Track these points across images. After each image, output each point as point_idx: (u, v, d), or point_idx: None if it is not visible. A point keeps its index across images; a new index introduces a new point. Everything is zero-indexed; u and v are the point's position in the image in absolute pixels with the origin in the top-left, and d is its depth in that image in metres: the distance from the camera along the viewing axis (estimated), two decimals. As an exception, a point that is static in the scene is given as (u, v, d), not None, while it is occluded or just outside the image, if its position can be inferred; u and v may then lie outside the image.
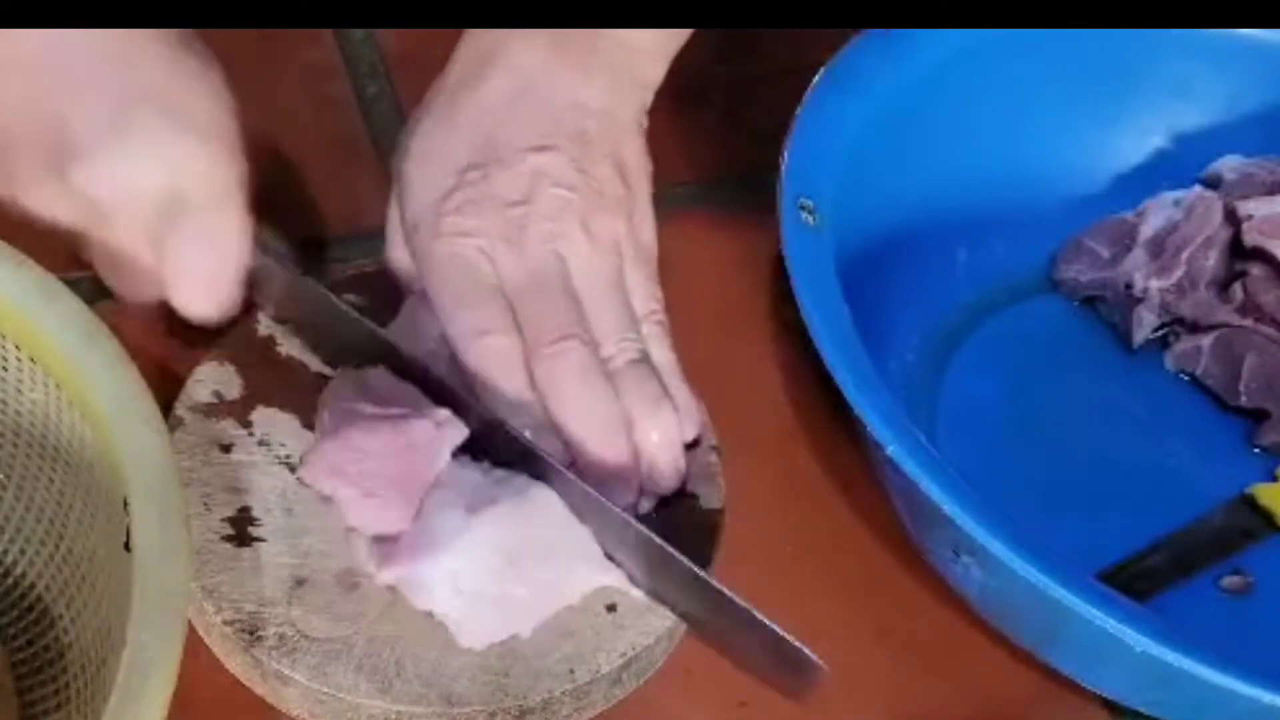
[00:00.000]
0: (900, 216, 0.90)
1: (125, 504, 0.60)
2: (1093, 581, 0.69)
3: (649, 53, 0.81)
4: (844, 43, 0.87)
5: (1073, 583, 0.67)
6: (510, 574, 0.71)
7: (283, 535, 0.73)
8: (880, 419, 0.71)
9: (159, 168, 0.71)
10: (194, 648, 0.71)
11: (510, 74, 0.79)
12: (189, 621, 0.70)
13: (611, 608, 0.73)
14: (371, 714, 0.69)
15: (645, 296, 0.78)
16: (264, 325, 0.81)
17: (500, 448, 0.74)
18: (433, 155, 0.78)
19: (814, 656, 0.69)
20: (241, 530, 0.73)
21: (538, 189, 0.77)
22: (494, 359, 0.75)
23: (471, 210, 0.76)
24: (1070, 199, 0.95)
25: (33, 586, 0.68)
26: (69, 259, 0.82)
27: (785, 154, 0.81)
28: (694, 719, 0.75)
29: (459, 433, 0.73)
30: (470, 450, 0.74)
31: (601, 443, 0.74)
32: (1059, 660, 0.75)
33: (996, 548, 0.68)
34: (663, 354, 0.78)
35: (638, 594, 0.73)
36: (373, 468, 0.72)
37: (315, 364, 0.80)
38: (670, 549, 0.71)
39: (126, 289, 0.76)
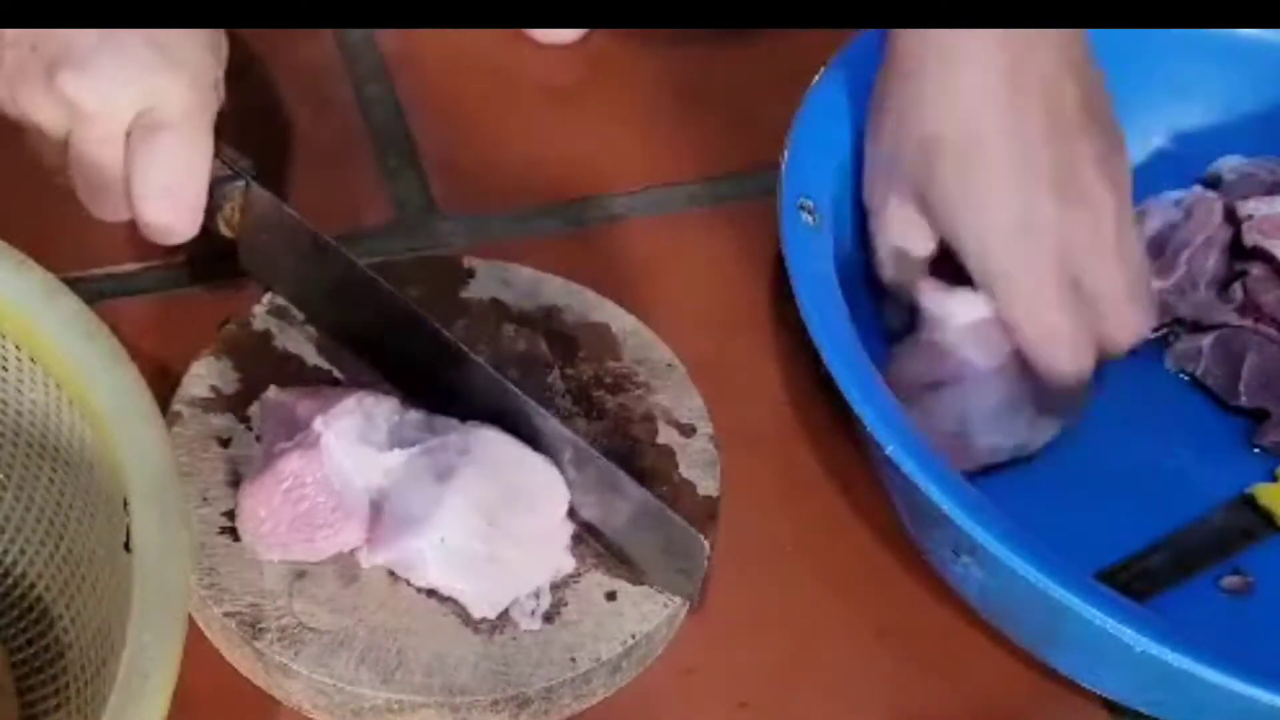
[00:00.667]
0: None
1: (125, 504, 0.60)
2: (1093, 581, 0.69)
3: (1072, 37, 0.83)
4: (844, 43, 0.87)
5: (1073, 583, 0.67)
6: (495, 532, 0.72)
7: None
8: (880, 419, 0.71)
9: (136, 86, 0.74)
10: (195, 642, 0.71)
11: (959, 68, 0.80)
12: (189, 616, 0.71)
13: (611, 596, 0.73)
14: (374, 704, 0.69)
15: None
16: (260, 319, 0.81)
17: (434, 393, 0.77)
18: (979, 191, 0.80)
19: (701, 537, 0.71)
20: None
21: (1090, 171, 0.81)
22: (1060, 341, 0.80)
23: (1049, 225, 0.79)
24: (1070, 199, 0.95)
25: (33, 586, 0.68)
26: (69, 259, 0.83)
27: (785, 154, 0.81)
28: (694, 719, 0.75)
29: (362, 417, 0.74)
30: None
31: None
32: (1059, 660, 0.75)
33: (996, 548, 0.68)
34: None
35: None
36: (304, 508, 0.72)
37: (312, 357, 0.80)
38: (594, 451, 0.73)
39: (98, 205, 0.78)
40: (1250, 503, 0.84)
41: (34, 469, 0.68)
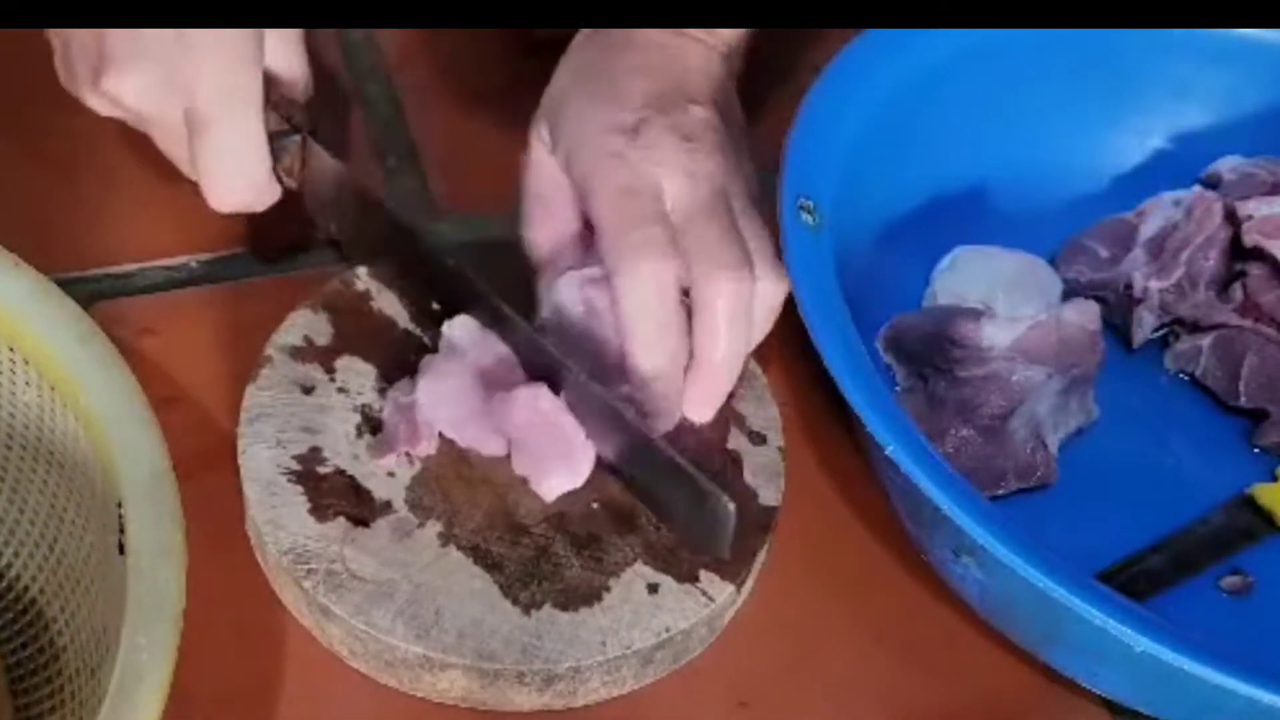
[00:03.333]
0: (900, 216, 0.90)
1: (119, 506, 0.60)
2: (1093, 581, 0.69)
3: (731, 35, 0.86)
4: (844, 43, 0.87)
5: (1073, 583, 0.67)
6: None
7: (346, 478, 0.76)
8: (880, 419, 0.71)
9: (170, 89, 0.76)
10: (253, 577, 0.75)
11: (637, 54, 0.83)
12: (251, 550, 0.74)
13: (654, 588, 0.74)
14: (405, 658, 0.71)
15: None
16: (362, 280, 0.84)
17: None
18: (601, 100, 0.81)
19: (729, 502, 0.71)
20: (309, 469, 0.76)
21: (700, 134, 0.80)
22: (653, 282, 0.77)
23: (656, 143, 0.79)
24: (1070, 199, 0.95)
25: (27, 589, 0.68)
26: (68, 259, 0.83)
27: (785, 154, 0.81)
28: (694, 719, 0.75)
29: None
30: None
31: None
32: (1059, 660, 0.75)
33: (996, 548, 0.68)
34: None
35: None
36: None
37: (404, 321, 0.83)
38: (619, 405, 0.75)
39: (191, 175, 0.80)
40: (1250, 503, 0.84)
41: (28, 472, 0.68)
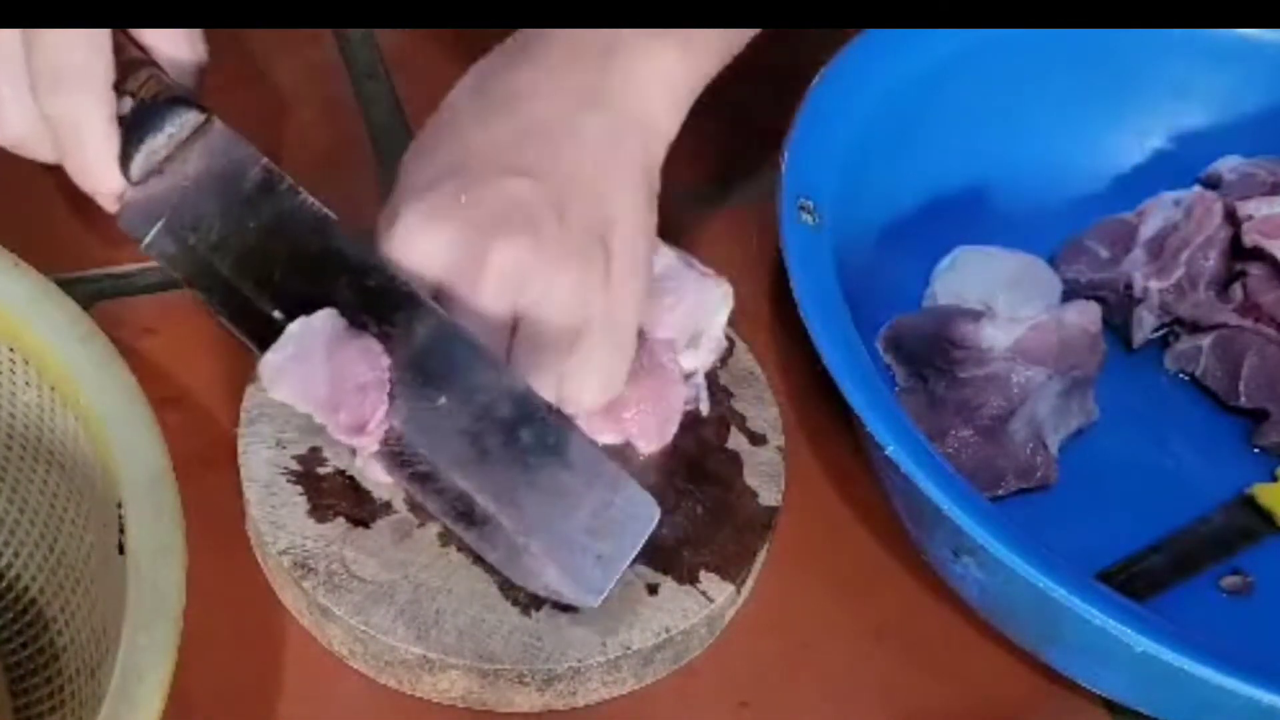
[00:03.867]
0: (900, 216, 0.90)
1: (119, 506, 0.60)
2: (1093, 581, 0.69)
3: (661, 101, 0.76)
4: (844, 43, 0.87)
5: (1073, 583, 0.67)
6: None
7: (346, 479, 0.76)
8: (880, 419, 0.71)
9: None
10: (253, 577, 0.75)
11: (512, 90, 0.75)
12: (251, 550, 0.74)
13: (653, 589, 0.74)
14: (405, 659, 0.71)
15: (594, 364, 0.73)
16: None
17: None
18: (421, 157, 0.75)
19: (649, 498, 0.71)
20: (309, 469, 0.76)
21: (508, 217, 0.71)
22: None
23: (434, 224, 0.71)
24: (1070, 199, 0.95)
25: (26, 589, 0.68)
26: (68, 259, 0.83)
27: (785, 154, 0.81)
28: (694, 719, 0.75)
29: None
30: None
31: None
32: (1059, 660, 0.75)
33: (996, 548, 0.68)
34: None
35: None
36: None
37: None
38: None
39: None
40: (1250, 503, 0.84)
41: (28, 471, 0.68)
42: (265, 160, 0.74)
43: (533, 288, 0.71)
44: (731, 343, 0.83)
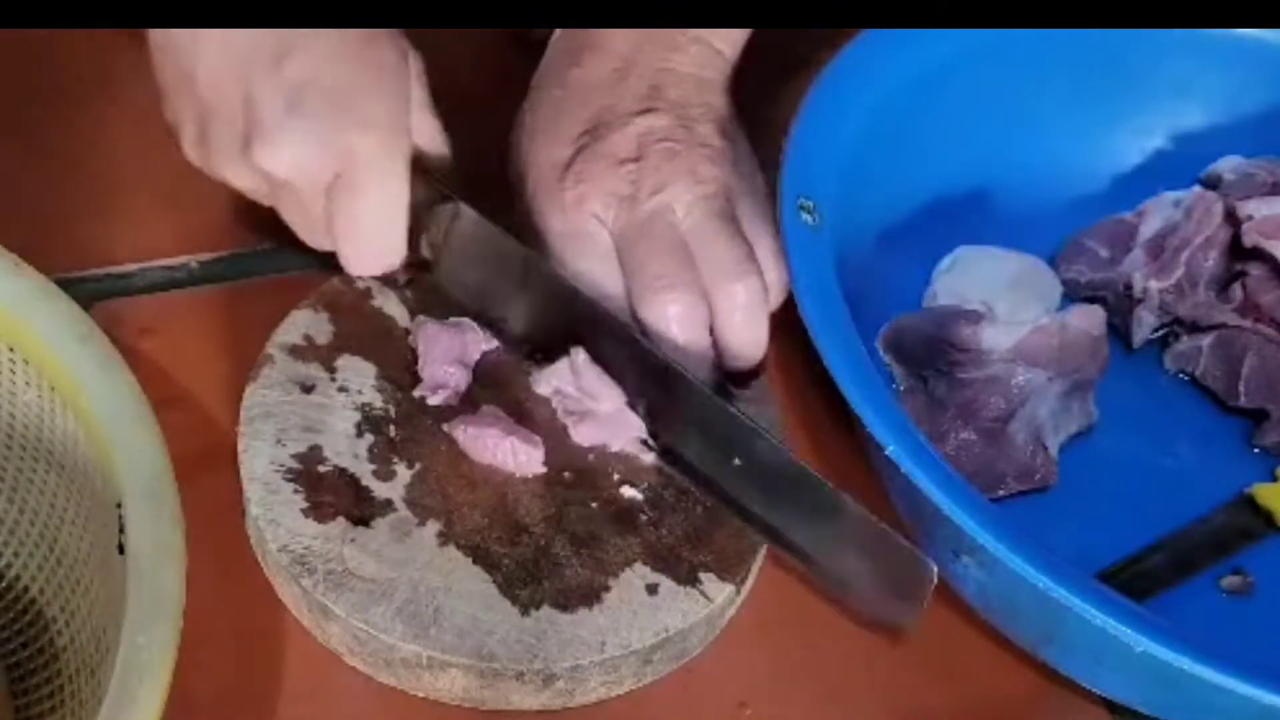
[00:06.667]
0: (900, 216, 0.90)
1: (119, 506, 0.60)
2: (1093, 581, 0.69)
3: (721, 37, 0.86)
4: (844, 43, 0.87)
5: (1073, 583, 0.67)
6: None
7: (346, 477, 0.76)
8: (880, 419, 0.71)
9: (324, 153, 0.76)
10: (252, 577, 0.75)
11: (606, 53, 0.84)
12: (251, 550, 0.74)
13: (653, 589, 0.74)
14: (404, 657, 0.71)
15: (757, 231, 0.82)
16: (363, 280, 0.84)
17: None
18: (546, 131, 0.83)
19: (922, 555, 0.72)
20: (309, 468, 0.76)
21: (646, 146, 0.81)
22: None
23: (588, 174, 0.81)
24: (1070, 199, 0.95)
25: (26, 589, 0.68)
26: (68, 259, 0.83)
27: (785, 154, 0.81)
28: (693, 719, 0.74)
29: None
30: None
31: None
32: (1059, 660, 0.75)
33: (996, 548, 0.68)
34: (774, 276, 0.82)
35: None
36: None
37: (404, 320, 0.83)
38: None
39: (311, 242, 0.82)
40: (1250, 503, 0.84)
41: (28, 472, 0.68)
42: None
43: (691, 191, 0.81)
44: None
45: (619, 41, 0.84)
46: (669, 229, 0.80)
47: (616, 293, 0.80)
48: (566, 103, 0.84)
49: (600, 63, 0.84)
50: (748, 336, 0.81)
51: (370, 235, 0.79)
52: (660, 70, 0.84)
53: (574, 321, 0.80)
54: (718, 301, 0.80)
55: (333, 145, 0.76)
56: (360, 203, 0.78)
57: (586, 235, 0.81)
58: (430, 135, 0.82)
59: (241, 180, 0.79)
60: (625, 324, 0.79)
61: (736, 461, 0.76)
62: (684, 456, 0.78)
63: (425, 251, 0.82)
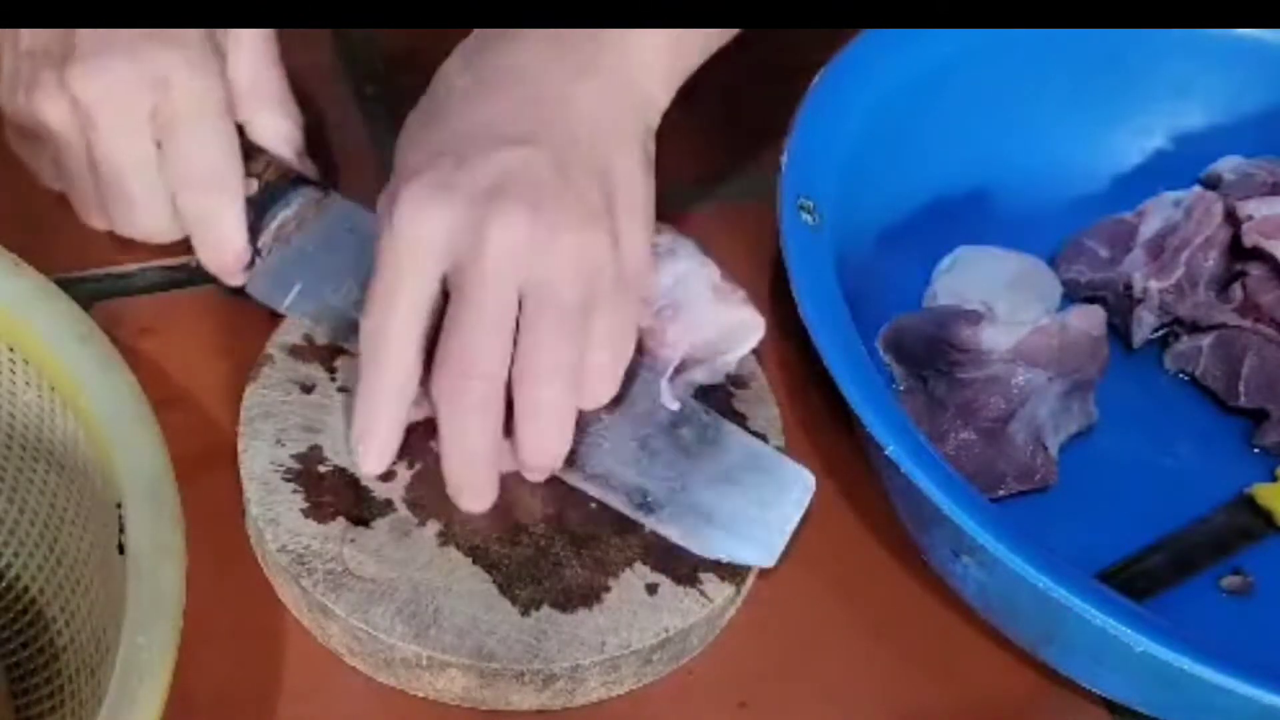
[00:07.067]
0: (900, 216, 0.90)
1: (119, 506, 0.60)
2: (1093, 581, 0.69)
3: (654, 72, 0.77)
4: (844, 43, 0.87)
5: (1073, 583, 0.67)
6: None
7: (346, 478, 0.76)
8: (880, 419, 0.71)
9: (138, 70, 0.76)
10: (252, 577, 0.75)
11: (503, 65, 0.75)
12: (251, 550, 0.74)
13: (653, 589, 0.74)
14: (404, 657, 0.71)
15: (608, 329, 0.73)
16: None
17: None
18: (415, 139, 0.75)
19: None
20: (309, 468, 0.76)
21: (507, 185, 0.70)
22: (388, 383, 0.73)
23: (435, 199, 0.70)
24: (1070, 199, 0.95)
25: (26, 589, 0.68)
26: (68, 259, 0.83)
27: (785, 154, 0.81)
28: (694, 719, 0.75)
29: None
30: None
31: (464, 476, 0.74)
32: (1059, 660, 0.75)
33: (996, 548, 0.68)
34: (605, 356, 0.73)
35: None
36: None
37: None
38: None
39: (118, 212, 0.81)
40: (1250, 503, 0.84)
41: (28, 472, 0.68)
42: None
43: (539, 258, 0.70)
44: None
45: (522, 52, 0.75)
46: (501, 307, 0.70)
47: (410, 362, 0.72)
48: (442, 110, 0.75)
49: (493, 71, 0.75)
50: (539, 445, 0.73)
51: (209, 171, 0.78)
52: (554, 98, 0.74)
53: None
54: (519, 400, 0.72)
55: (144, 61, 0.76)
56: (193, 133, 0.77)
57: (415, 268, 0.71)
58: (271, 94, 0.82)
59: (53, 112, 0.77)
60: None
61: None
62: None
63: (268, 240, 0.81)
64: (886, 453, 0.70)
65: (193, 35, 0.78)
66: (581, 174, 0.72)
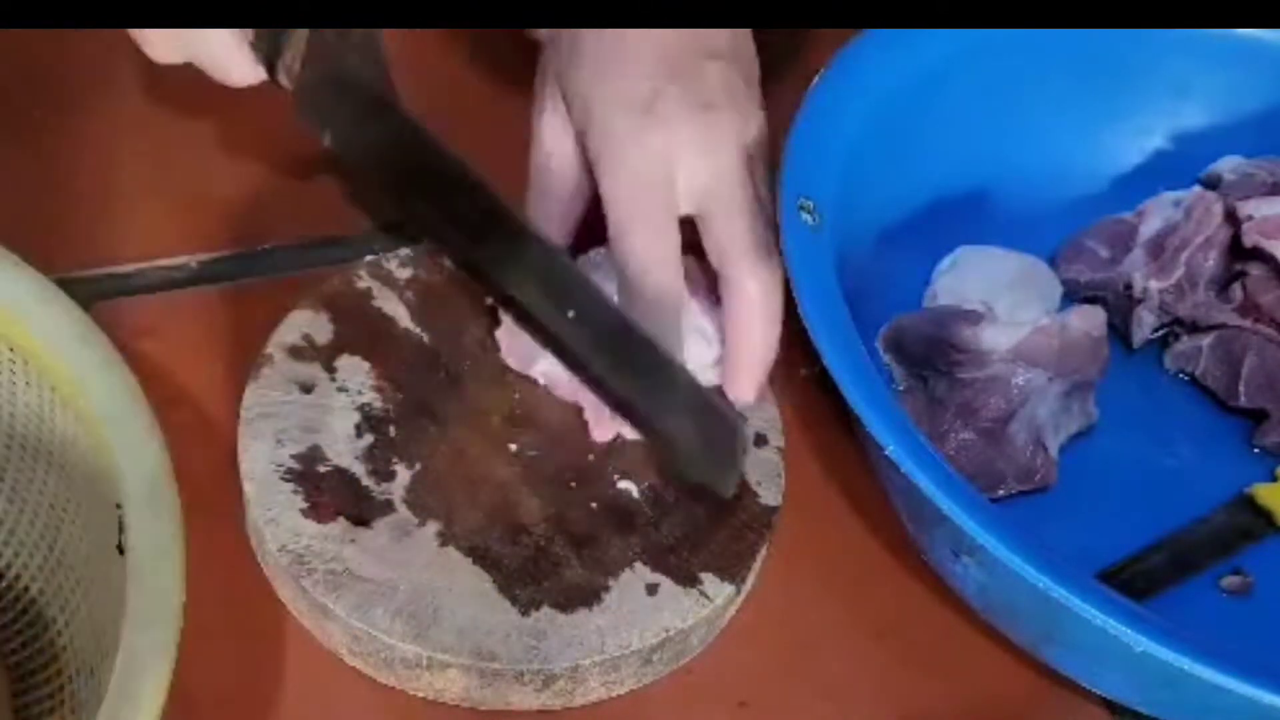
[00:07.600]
0: (900, 216, 0.90)
1: (119, 506, 0.60)
2: (1093, 581, 0.69)
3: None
4: (844, 43, 0.87)
5: (1073, 583, 0.67)
6: None
7: (346, 477, 0.76)
8: (880, 419, 0.71)
9: None
10: (252, 577, 0.75)
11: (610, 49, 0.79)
12: (251, 550, 0.74)
13: (653, 589, 0.74)
14: (404, 657, 0.71)
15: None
16: (364, 279, 0.84)
17: None
18: (609, 64, 0.78)
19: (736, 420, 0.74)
20: (309, 468, 0.76)
21: (723, 94, 0.78)
22: (655, 289, 0.76)
23: (671, 116, 0.76)
24: (1070, 199, 0.95)
25: (26, 589, 0.68)
26: (68, 259, 0.83)
27: (785, 154, 0.81)
28: (694, 719, 0.75)
29: None
30: None
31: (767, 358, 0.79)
32: (1059, 660, 0.75)
33: (996, 548, 0.67)
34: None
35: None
36: None
37: (404, 320, 0.83)
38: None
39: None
40: (1250, 503, 0.84)
41: (28, 472, 0.68)
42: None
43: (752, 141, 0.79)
44: None
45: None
46: (750, 183, 0.78)
47: (674, 260, 0.77)
48: (628, 43, 0.79)
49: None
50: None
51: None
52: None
53: (416, 166, 0.79)
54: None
55: None
56: None
57: (664, 181, 0.77)
58: None
59: None
60: (464, 164, 0.77)
61: (571, 314, 0.74)
62: (522, 304, 0.75)
63: (283, 81, 0.81)
64: (886, 453, 0.70)
65: None
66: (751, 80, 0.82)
